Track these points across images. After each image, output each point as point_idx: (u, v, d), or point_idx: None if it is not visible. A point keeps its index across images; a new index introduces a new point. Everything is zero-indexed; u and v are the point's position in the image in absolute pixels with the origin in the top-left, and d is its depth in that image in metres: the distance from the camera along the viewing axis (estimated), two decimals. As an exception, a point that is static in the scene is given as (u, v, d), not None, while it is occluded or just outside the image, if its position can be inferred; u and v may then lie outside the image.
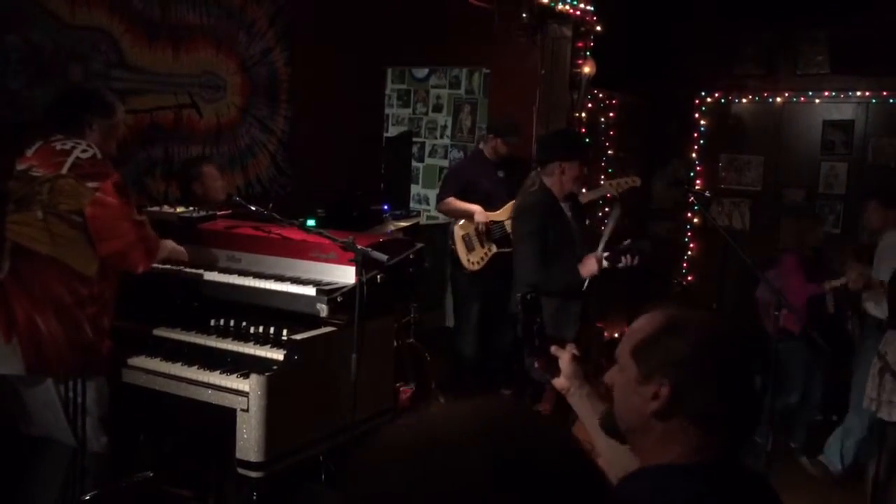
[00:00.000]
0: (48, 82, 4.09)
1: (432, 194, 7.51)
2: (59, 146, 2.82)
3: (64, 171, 2.74)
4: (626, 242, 3.77)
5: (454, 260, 5.14)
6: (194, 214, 3.51)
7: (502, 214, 5.01)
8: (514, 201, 5.06)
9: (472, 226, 5.06)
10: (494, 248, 5.02)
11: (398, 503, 0.64)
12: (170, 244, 3.20)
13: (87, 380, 2.79)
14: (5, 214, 2.78)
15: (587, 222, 4.16)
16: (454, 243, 5.10)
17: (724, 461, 1.30)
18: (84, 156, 2.79)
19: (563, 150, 3.92)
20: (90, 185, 2.75)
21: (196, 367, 2.89)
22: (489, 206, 5.03)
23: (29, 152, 2.82)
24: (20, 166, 2.80)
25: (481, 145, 5.37)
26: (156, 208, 3.64)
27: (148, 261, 2.89)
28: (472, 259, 5.07)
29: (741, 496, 1.30)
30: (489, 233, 5.03)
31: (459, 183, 5.16)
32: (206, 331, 3.09)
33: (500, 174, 5.16)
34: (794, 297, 4.49)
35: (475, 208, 5.00)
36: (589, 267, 3.67)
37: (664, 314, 1.35)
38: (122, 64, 4.42)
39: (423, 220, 5.26)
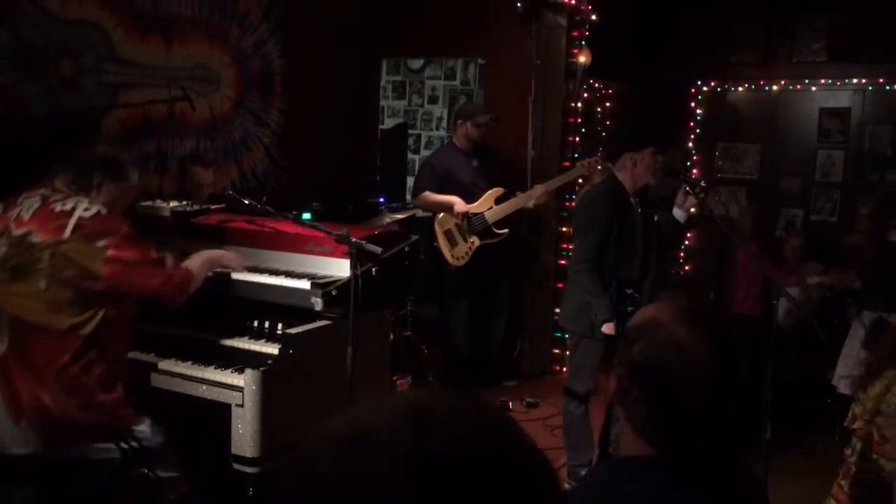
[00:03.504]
0: (39, 77, 4.07)
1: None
2: (58, 207, 2.58)
3: (66, 235, 2.52)
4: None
5: (438, 257, 4.99)
6: (187, 209, 3.49)
7: (482, 205, 4.93)
8: (492, 190, 5.01)
9: (452, 220, 4.92)
10: (477, 241, 4.92)
11: (326, 497, 0.64)
12: (217, 254, 3.00)
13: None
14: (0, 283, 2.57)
15: (656, 218, 3.88)
16: (436, 240, 4.96)
17: (682, 457, 1.30)
18: (87, 214, 2.57)
19: (632, 140, 3.72)
20: (99, 243, 2.55)
21: (190, 362, 2.87)
22: (467, 197, 4.94)
23: (26, 214, 2.58)
24: (17, 231, 2.56)
25: (453, 138, 5.22)
26: (149, 202, 3.62)
27: (182, 294, 2.74)
28: (455, 254, 4.93)
29: (695, 492, 1.30)
30: (470, 225, 4.93)
31: (436, 175, 4.99)
32: (201, 325, 3.07)
33: (475, 163, 5.06)
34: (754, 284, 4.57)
35: (454, 199, 4.88)
36: (612, 325, 3.46)
37: (652, 311, 1.36)
38: (113, 58, 4.40)
39: (418, 213, 5.21)
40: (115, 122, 4.42)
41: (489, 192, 4.95)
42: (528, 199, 4.90)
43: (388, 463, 0.63)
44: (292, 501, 0.66)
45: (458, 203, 4.87)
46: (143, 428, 2.68)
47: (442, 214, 4.97)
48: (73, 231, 2.53)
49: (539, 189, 4.91)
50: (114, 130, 4.40)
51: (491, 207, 4.93)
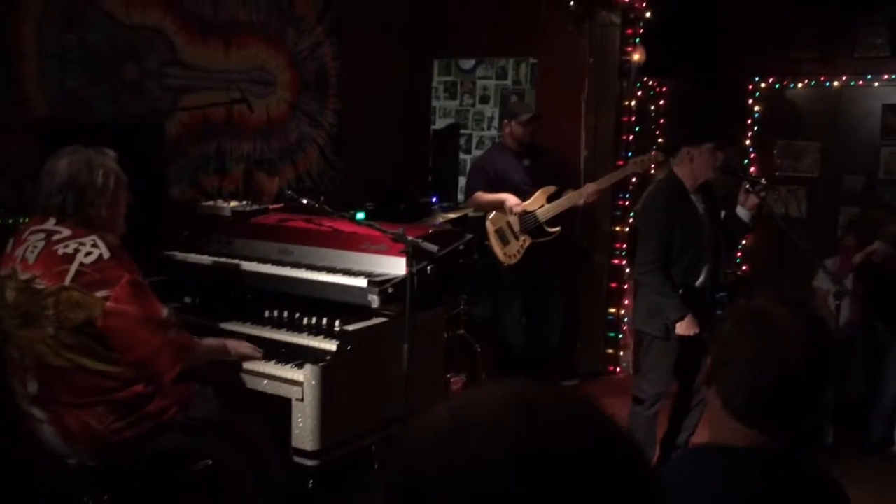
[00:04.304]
0: (104, 81, 4.20)
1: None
2: (61, 250, 2.45)
3: (67, 282, 2.41)
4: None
5: (490, 256, 4.97)
6: (247, 208, 3.57)
7: (533, 204, 4.88)
8: (544, 188, 4.95)
9: (504, 218, 4.90)
10: (529, 240, 4.87)
11: (434, 488, 0.64)
12: (231, 344, 2.87)
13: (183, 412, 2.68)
14: (13, 329, 2.49)
15: (723, 215, 3.81)
16: (488, 239, 4.94)
17: (764, 450, 1.33)
18: (88, 260, 2.43)
19: (690, 133, 3.66)
20: (99, 294, 2.42)
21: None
22: (518, 196, 4.89)
23: (31, 256, 2.47)
24: (23, 275, 2.47)
25: (502, 138, 5.21)
26: (210, 202, 3.71)
27: (176, 366, 2.54)
28: (507, 253, 4.91)
29: (780, 489, 1.31)
30: (522, 223, 4.90)
31: (487, 175, 4.98)
32: (261, 322, 3.14)
33: (526, 163, 5.01)
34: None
35: (506, 196, 4.86)
36: (685, 325, 3.46)
37: (752, 302, 1.42)
38: (175, 62, 4.51)
39: (471, 212, 5.20)
40: (176, 124, 4.54)
41: (540, 189, 4.93)
42: (579, 196, 4.87)
43: (493, 456, 0.63)
44: (398, 494, 0.66)
45: (511, 198, 4.86)
46: (192, 407, 2.71)
47: (494, 213, 4.95)
48: (74, 278, 2.42)
49: (591, 187, 4.88)
50: (175, 133, 4.52)
51: (542, 206, 4.90)
